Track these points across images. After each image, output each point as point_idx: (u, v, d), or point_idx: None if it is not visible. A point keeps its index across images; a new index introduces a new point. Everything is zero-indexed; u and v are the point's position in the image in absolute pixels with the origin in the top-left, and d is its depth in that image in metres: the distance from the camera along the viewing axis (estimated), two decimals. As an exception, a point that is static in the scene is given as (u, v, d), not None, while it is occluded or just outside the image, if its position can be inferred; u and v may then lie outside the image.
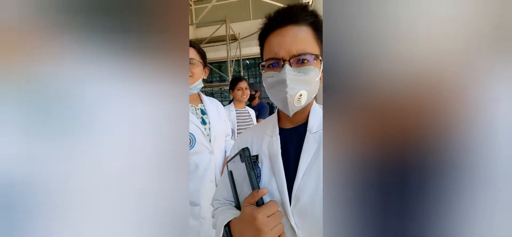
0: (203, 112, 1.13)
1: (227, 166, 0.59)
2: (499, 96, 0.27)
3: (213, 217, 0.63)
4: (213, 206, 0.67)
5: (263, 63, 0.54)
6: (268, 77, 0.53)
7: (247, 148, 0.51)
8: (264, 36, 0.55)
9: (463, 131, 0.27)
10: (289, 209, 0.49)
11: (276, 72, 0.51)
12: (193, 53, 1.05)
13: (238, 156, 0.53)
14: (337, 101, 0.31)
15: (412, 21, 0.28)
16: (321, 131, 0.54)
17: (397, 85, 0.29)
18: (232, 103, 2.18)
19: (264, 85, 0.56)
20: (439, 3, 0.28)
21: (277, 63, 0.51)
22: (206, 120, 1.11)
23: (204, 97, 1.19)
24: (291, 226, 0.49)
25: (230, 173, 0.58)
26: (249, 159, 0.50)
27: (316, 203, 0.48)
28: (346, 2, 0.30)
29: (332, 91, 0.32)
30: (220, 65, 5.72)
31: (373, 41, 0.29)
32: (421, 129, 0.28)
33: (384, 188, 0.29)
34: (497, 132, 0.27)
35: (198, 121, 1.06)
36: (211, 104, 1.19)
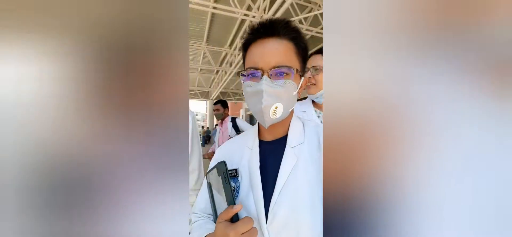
0: None
1: (206, 177, 0.58)
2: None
3: (190, 232, 0.63)
4: (190, 220, 0.66)
5: (243, 72, 0.55)
6: (247, 87, 0.54)
7: (224, 162, 0.51)
8: (246, 45, 0.57)
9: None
10: (264, 225, 0.49)
11: (255, 82, 0.52)
12: (320, 60, 1.03)
13: (216, 169, 0.52)
14: (336, 122, 0.33)
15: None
16: (301, 145, 0.56)
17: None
18: None
19: (243, 94, 0.57)
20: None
21: (256, 74, 0.52)
22: None
23: None
24: None
25: (209, 185, 0.57)
26: (226, 174, 0.50)
27: (292, 219, 0.48)
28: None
29: (332, 115, 0.33)
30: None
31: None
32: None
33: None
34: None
35: None
36: None
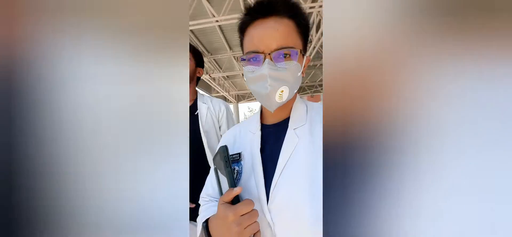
0: None
1: (213, 162, 0.59)
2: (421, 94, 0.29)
3: (199, 214, 0.63)
4: (200, 204, 0.67)
5: (244, 56, 0.52)
6: (248, 72, 0.51)
7: (225, 146, 0.51)
8: (244, 27, 0.53)
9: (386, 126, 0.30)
10: (265, 206, 0.48)
11: (256, 67, 0.49)
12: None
13: (218, 153, 0.52)
14: (336, 99, 0.32)
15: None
16: (302, 126, 0.54)
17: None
18: None
19: (245, 80, 0.54)
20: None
21: (257, 58, 0.49)
22: None
23: None
24: (268, 223, 0.48)
25: (215, 170, 0.58)
26: (227, 158, 0.50)
27: (294, 200, 0.47)
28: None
29: (332, 91, 0.32)
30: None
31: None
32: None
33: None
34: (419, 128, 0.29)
35: None
36: None
